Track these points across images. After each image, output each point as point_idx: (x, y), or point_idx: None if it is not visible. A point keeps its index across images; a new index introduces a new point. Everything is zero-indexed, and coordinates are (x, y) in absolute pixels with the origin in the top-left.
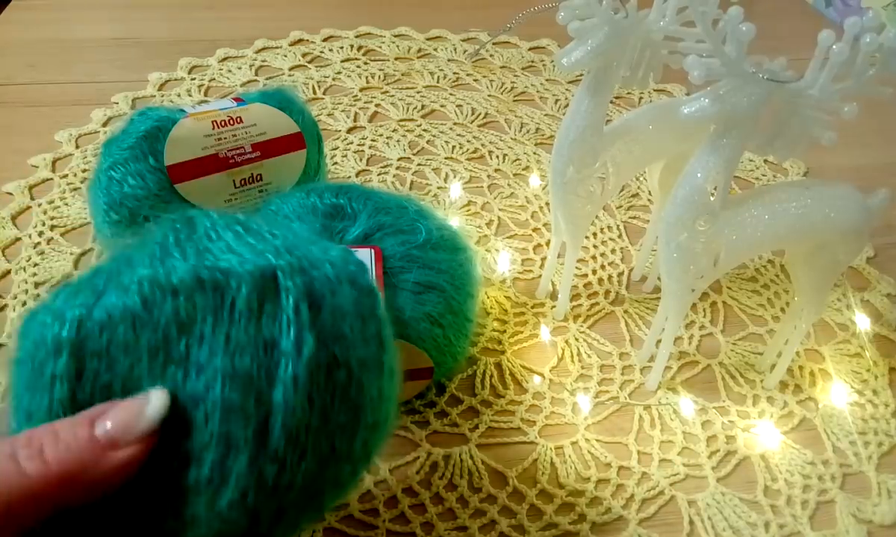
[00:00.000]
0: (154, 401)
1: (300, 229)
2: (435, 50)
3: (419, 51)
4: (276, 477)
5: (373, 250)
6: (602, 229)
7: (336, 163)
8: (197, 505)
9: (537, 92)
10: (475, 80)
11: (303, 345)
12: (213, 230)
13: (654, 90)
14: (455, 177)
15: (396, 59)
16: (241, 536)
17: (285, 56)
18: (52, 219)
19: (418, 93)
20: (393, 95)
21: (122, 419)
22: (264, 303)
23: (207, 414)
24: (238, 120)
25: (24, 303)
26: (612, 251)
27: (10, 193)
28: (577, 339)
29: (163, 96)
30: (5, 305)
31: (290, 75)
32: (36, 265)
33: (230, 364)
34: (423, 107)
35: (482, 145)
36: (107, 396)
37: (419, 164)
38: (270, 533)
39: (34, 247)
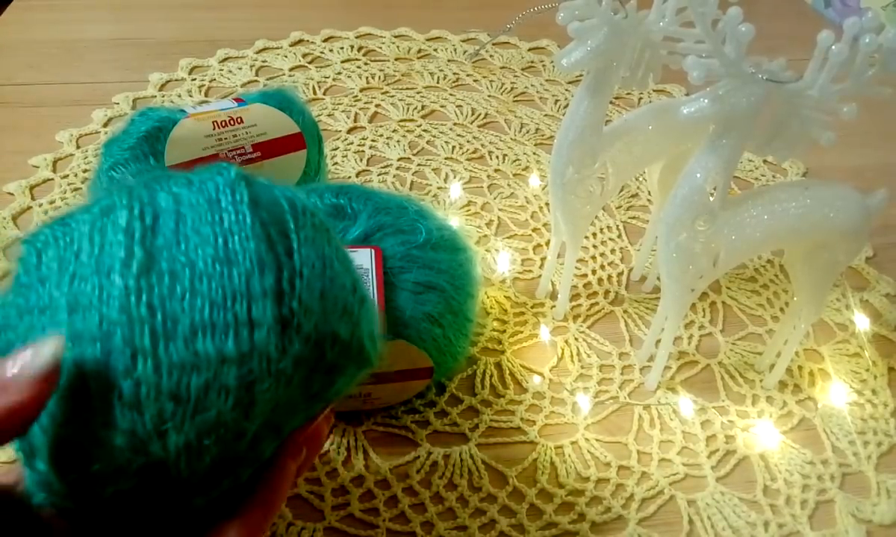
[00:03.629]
0: (45, 346)
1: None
2: (435, 50)
3: (419, 51)
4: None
5: (373, 250)
6: (602, 229)
7: (336, 163)
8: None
9: (537, 92)
10: (475, 81)
11: (132, 259)
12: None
13: (654, 90)
14: (455, 177)
15: (396, 59)
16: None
17: (286, 56)
18: (52, 219)
19: (418, 93)
20: (393, 96)
21: (14, 364)
22: (105, 235)
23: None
24: (238, 120)
25: None
26: (612, 251)
27: (11, 193)
28: (576, 339)
29: (163, 97)
30: None
31: (290, 76)
32: None
33: (73, 297)
34: (423, 107)
35: (482, 145)
36: None
37: (419, 165)
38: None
39: None
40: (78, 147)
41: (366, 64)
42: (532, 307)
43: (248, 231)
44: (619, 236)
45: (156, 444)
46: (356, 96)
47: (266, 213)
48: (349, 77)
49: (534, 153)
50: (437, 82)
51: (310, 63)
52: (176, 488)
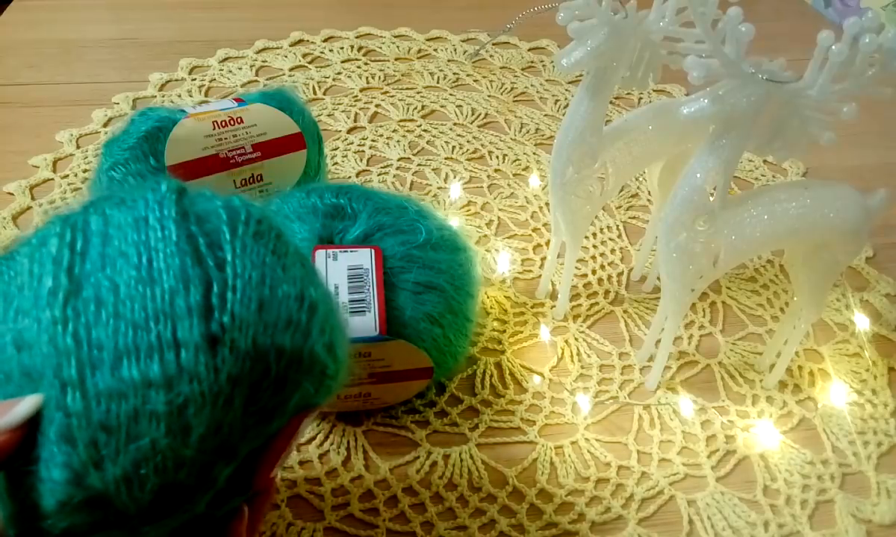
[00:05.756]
0: (23, 404)
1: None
2: (435, 50)
3: (419, 51)
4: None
5: (373, 250)
6: (602, 229)
7: (336, 163)
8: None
9: (537, 92)
10: (475, 81)
11: (59, 288)
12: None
13: (654, 90)
14: (455, 177)
15: (396, 59)
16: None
17: (286, 56)
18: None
19: (418, 93)
20: (393, 96)
21: None
22: (42, 266)
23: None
24: (238, 120)
25: None
26: (612, 251)
27: (11, 193)
28: (576, 339)
29: (163, 97)
30: None
31: (290, 76)
32: None
33: (18, 333)
34: (423, 107)
35: (482, 145)
36: None
37: (419, 165)
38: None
39: None
40: (78, 147)
41: (366, 64)
42: (532, 307)
43: (172, 247)
44: (619, 236)
45: (93, 477)
46: (356, 96)
47: (197, 226)
48: (349, 77)
49: (534, 153)
50: (437, 82)
51: (310, 63)
52: (124, 521)
